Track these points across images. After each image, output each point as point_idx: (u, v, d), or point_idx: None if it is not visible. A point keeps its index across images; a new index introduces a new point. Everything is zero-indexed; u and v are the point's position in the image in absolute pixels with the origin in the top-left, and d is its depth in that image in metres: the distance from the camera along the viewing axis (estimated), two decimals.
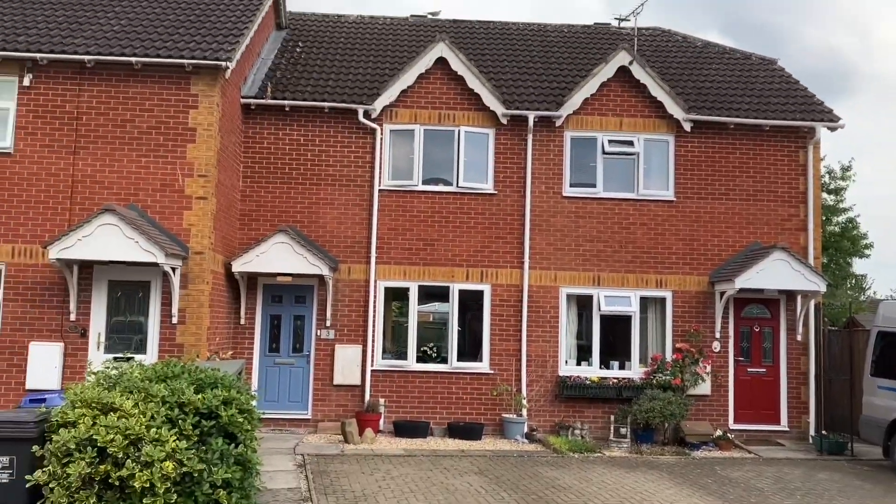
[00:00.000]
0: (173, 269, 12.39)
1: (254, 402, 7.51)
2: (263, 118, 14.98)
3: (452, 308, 14.91)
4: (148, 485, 6.06)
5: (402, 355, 14.87)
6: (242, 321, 14.68)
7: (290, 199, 14.92)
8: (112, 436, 6.22)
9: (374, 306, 14.83)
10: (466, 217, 15.07)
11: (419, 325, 14.97)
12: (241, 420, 6.76)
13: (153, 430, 6.34)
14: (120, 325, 12.65)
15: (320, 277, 14.09)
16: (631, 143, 15.34)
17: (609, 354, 15.19)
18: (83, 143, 12.66)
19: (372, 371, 14.70)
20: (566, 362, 15.03)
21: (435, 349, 14.96)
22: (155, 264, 11.78)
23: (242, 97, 14.69)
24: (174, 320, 12.48)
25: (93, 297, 12.56)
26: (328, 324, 14.74)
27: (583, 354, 15.18)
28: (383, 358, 14.85)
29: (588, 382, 14.60)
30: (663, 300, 15.20)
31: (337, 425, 14.05)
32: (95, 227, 11.61)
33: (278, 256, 13.78)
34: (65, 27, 13.31)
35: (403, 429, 14.17)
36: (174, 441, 6.32)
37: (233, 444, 6.63)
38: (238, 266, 13.85)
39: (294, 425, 14.53)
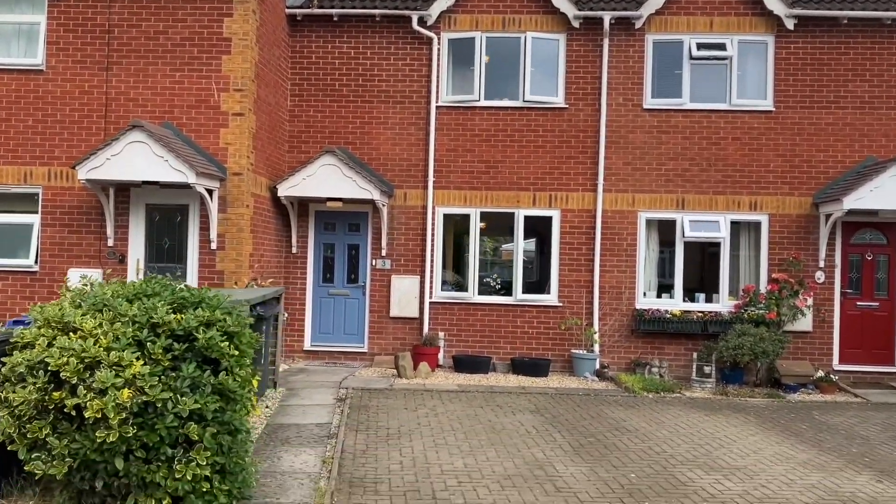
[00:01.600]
0: (209, 192, 11.57)
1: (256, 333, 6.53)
2: (311, 30, 13.84)
3: (517, 236, 13.59)
4: (100, 415, 5.18)
5: (463, 287, 13.72)
6: (294, 250, 13.83)
7: (342, 119, 13.82)
8: (66, 358, 5.36)
9: (433, 234, 13.68)
10: (533, 135, 13.61)
11: (481, 254, 13.75)
12: (223, 345, 5.78)
13: (114, 353, 5.44)
14: (160, 252, 11.99)
15: (374, 203, 12.99)
16: (723, 47, 13.39)
17: (693, 286, 13.59)
18: (116, 58, 11.88)
19: (430, 303, 13.63)
20: (644, 294, 13.52)
21: (498, 280, 13.73)
22: (187, 185, 10.97)
23: (287, 7, 13.58)
24: (213, 246, 11.71)
25: (130, 222, 11.91)
26: (383, 253, 13.71)
27: (664, 286, 13.63)
28: (443, 289, 13.74)
29: (668, 316, 13.07)
30: (757, 224, 13.39)
31: (393, 359, 13.12)
32: (124, 145, 10.85)
33: (326, 179, 12.76)
34: None
35: (463, 364, 13.11)
36: (140, 366, 5.40)
37: (209, 372, 5.67)
38: (284, 190, 12.92)
39: (350, 359, 13.71)
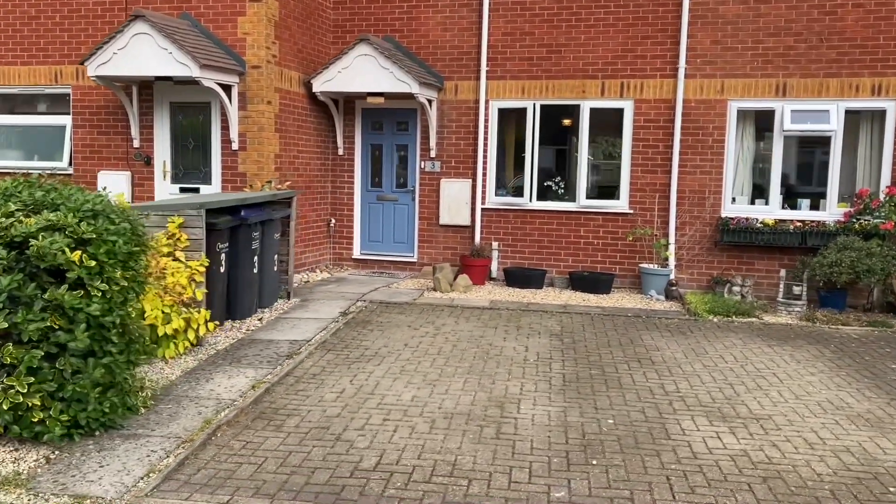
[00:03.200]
0: (227, 87, 10.73)
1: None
2: None
3: (580, 132, 11.80)
4: None
5: (520, 191, 12.21)
6: (341, 151, 12.83)
7: (388, 4, 12.41)
8: None
9: (486, 132, 12.18)
10: (603, 11, 11.59)
11: (541, 154, 12.12)
12: (64, 254, 4.86)
13: None
14: (185, 153, 11.38)
15: (416, 98, 11.60)
16: None
17: (796, 191, 11.33)
18: None
19: (483, 210, 12.27)
20: (733, 200, 11.43)
21: (561, 184, 12.09)
22: (194, 81, 10.14)
23: None
24: (234, 147, 10.93)
25: (155, 122, 11.33)
26: (432, 154, 12.42)
27: (758, 190, 11.46)
28: (497, 195, 12.31)
29: (759, 226, 10.97)
30: (882, 114, 10.82)
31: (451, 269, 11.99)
32: (129, 37, 10.14)
33: (362, 72, 11.52)
34: None
35: (514, 277, 11.77)
36: None
37: (35, 286, 4.80)
38: (319, 85, 11.84)
39: (399, 268, 12.74)
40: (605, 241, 11.84)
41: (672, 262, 11.45)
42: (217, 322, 7.85)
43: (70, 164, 11.77)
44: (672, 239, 11.45)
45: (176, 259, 7.48)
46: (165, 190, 11.37)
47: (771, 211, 11.19)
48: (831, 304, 10.28)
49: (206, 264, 7.60)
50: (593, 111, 11.77)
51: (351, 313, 9.44)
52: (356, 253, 12.97)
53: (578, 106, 11.78)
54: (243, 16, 10.78)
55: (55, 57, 11.63)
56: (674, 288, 11.00)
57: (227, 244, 8.42)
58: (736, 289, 10.75)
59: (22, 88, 11.94)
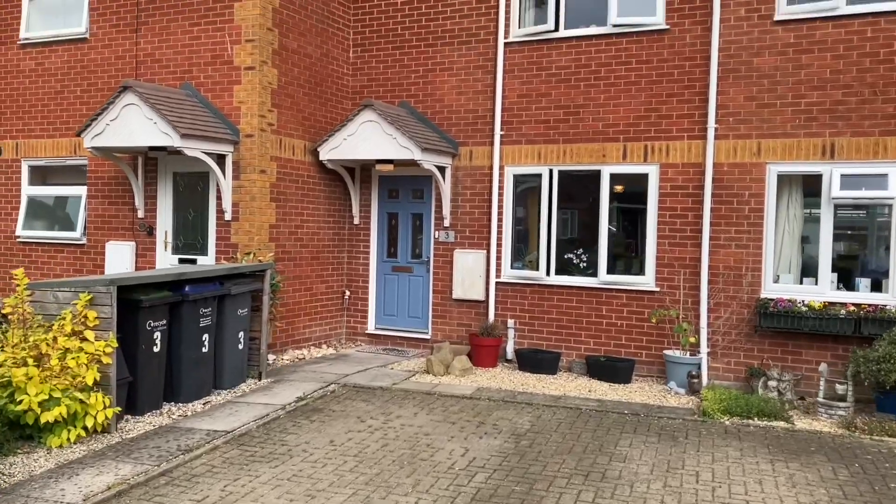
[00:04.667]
0: (221, 156, 10.47)
1: None
2: None
3: (601, 200, 10.63)
4: None
5: (535, 264, 11.12)
6: (357, 220, 12.26)
7: (404, 69, 11.89)
8: None
9: (500, 200, 11.25)
10: (624, 69, 10.51)
11: (559, 224, 11.01)
12: None
13: None
14: (185, 223, 11.17)
15: (419, 164, 10.86)
16: None
17: (849, 268, 9.61)
18: (143, 17, 11.20)
19: (497, 284, 11.26)
20: (776, 279, 9.84)
21: (583, 257, 10.90)
22: (176, 150, 9.90)
23: None
24: (227, 217, 10.59)
25: (158, 192, 11.22)
26: (446, 223, 11.60)
27: (807, 268, 9.82)
28: (513, 267, 11.27)
29: (804, 310, 9.31)
30: None
31: (454, 348, 11.04)
32: (120, 108, 10.10)
33: (367, 138, 10.97)
34: None
35: (526, 361, 10.61)
36: None
37: None
38: (325, 153, 11.38)
39: (412, 345, 11.88)
40: (629, 321, 10.50)
41: (703, 348, 9.93)
42: (119, 409, 7.20)
43: (84, 234, 11.85)
44: (704, 322, 9.96)
45: (84, 339, 7.02)
46: (166, 261, 11.17)
47: (820, 292, 9.51)
48: (890, 408, 8.45)
49: (115, 345, 7.08)
50: (614, 177, 10.61)
51: (308, 399, 8.65)
52: (371, 327, 12.24)
53: (598, 172, 10.65)
54: (239, 84, 10.54)
55: (75, 129, 11.85)
56: (695, 380, 9.46)
57: (163, 322, 7.92)
58: (772, 384, 9.12)
59: (48, 160, 12.26)
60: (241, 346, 9.12)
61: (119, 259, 11.28)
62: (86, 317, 7.04)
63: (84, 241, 11.84)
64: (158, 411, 7.92)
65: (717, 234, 9.99)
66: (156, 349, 7.85)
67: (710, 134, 9.97)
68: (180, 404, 8.20)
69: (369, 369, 10.31)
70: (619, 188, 10.64)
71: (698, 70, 10.10)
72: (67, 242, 11.99)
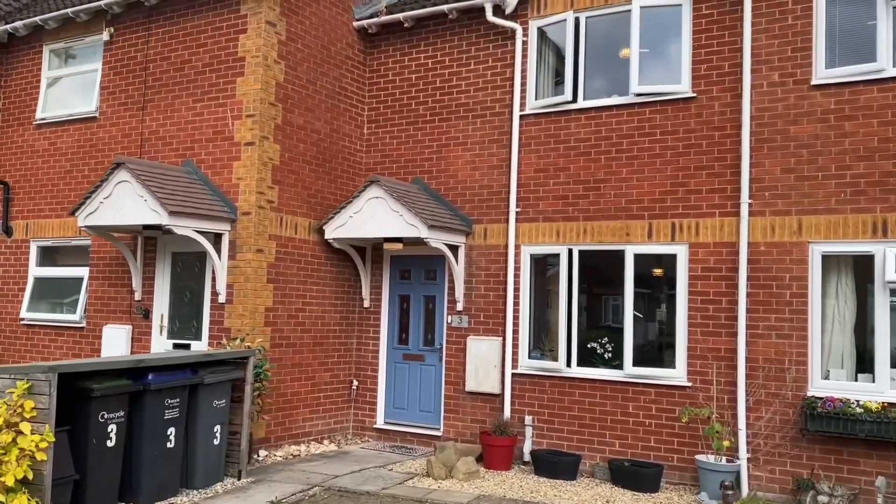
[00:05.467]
0: (216, 236, 9.94)
1: None
2: (387, 44, 11.64)
3: (625, 283, 9.62)
4: None
5: (555, 354, 10.08)
6: (367, 303, 11.49)
7: (417, 144, 11.30)
8: None
9: (517, 282, 10.34)
10: (648, 141, 9.66)
11: (580, 309, 10.01)
12: None
13: None
14: (181, 306, 10.58)
15: (425, 242, 10.10)
16: None
17: None
18: (150, 94, 10.95)
19: (514, 375, 10.23)
20: (825, 374, 8.57)
21: (608, 346, 9.82)
22: (168, 229, 9.37)
23: (356, 20, 11.56)
24: (221, 299, 9.96)
25: (156, 274, 10.71)
26: (459, 307, 10.72)
27: (859, 361, 8.54)
28: (531, 357, 10.25)
29: (859, 412, 8.01)
30: None
31: (465, 447, 9.99)
32: (113, 185, 9.70)
33: (374, 216, 10.30)
34: None
35: (542, 464, 9.46)
36: None
37: None
38: (331, 231, 10.74)
39: (423, 442, 10.85)
40: (657, 420, 9.30)
41: (742, 454, 8.65)
42: None
43: (83, 316, 11.39)
44: (742, 423, 8.71)
45: (19, 432, 6.31)
46: (161, 346, 10.56)
47: (878, 390, 8.20)
48: None
49: (51, 439, 6.33)
50: (639, 258, 9.61)
51: None
52: (379, 421, 11.28)
53: (622, 252, 9.68)
54: (238, 160, 10.08)
55: None
56: (730, 492, 8.12)
57: (119, 413, 7.18)
58: (822, 499, 7.78)
59: (55, 241, 11.97)
60: (216, 441, 8.29)
61: (115, 343, 10.71)
62: (22, 406, 6.35)
63: (83, 324, 11.36)
64: None
65: (755, 322, 8.83)
66: (109, 443, 7.08)
67: (744, 210, 8.95)
68: None
69: (365, 469, 9.32)
70: (645, 270, 9.62)
71: (729, 140, 9.17)
72: (67, 325, 11.54)
